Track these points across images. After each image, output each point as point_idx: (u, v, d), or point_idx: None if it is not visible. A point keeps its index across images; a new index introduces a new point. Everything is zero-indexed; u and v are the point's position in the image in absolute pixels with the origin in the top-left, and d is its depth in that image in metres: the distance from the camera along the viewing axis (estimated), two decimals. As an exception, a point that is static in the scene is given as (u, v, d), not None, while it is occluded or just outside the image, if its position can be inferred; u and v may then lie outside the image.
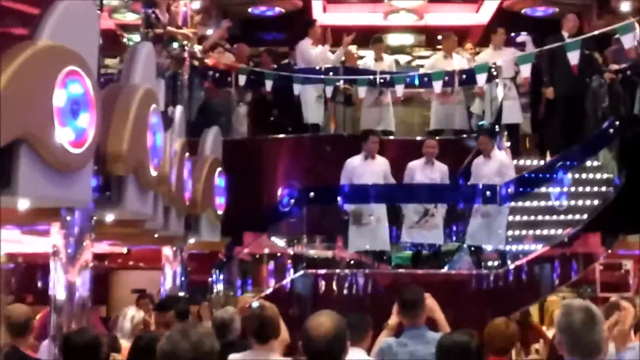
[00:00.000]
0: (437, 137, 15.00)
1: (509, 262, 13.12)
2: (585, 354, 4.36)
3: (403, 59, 20.17)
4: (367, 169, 13.64)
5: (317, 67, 15.55)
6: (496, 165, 13.54)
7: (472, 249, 13.52)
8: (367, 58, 16.53)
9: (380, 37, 16.85)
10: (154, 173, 9.14)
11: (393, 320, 6.65)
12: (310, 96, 15.36)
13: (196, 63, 14.86)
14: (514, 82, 15.10)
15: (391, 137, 15.65)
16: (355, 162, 13.71)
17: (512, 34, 15.77)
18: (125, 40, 11.56)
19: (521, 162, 14.81)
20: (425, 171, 13.62)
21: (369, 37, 16.79)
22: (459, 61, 16.02)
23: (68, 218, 7.94)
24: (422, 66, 17.55)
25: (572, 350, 4.38)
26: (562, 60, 13.90)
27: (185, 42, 13.87)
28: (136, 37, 12.08)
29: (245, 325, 7.21)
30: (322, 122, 15.70)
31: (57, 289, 7.87)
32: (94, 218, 8.45)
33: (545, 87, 14.79)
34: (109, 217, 9.03)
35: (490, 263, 13.47)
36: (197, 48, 15.38)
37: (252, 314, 7.00)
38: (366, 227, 13.37)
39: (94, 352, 6.07)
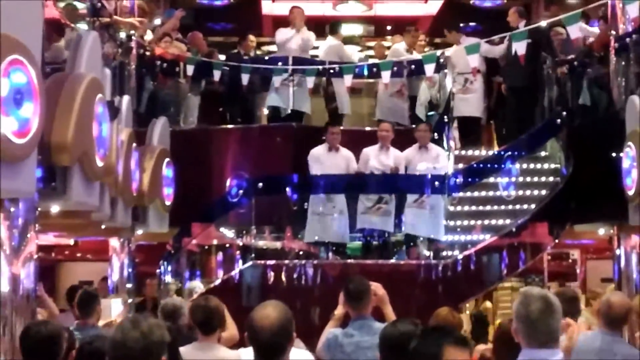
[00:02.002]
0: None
1: (456, 252, 13.18)
2: (542, 342, 4.37)
3: (352, 49, 20.14)
4: (330, 160, 13.62)
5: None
6: (432, 156, 13.61)
7: (421, 239, 13.54)
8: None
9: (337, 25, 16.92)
10: (100, 163, 9.04)
11: (339, 310, 6.62)
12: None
13: (144, 52, 14.72)
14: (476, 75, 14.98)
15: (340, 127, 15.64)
16: (318, 152, 13.67)
17: (461, 25, 15.79)
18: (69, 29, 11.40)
19: (476, 152, 14.84)
20: (380, 157, 13.57)
21: (318, 27, 16.75)
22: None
23: (12, 209, 7.83)
24: (371, 56, 17.56)
25: (529, 339, 4.39)
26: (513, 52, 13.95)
27: (132, 32, 13.74)
28: (82, 26, 11.94)
29: (191, 316, 7.13)
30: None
31: (1, 282, 7.76)
32: (39, 209, 8.35)
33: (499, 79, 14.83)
34: (54, 208, 8.94)
35: (428, 254, 13.51)
36: (148, 36, 15.25)
37: (197, 305, 6.94)
38: (327, 218, 13.34)
39: (54, 345, 5.97)
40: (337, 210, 13.36)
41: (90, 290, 9.90)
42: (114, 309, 10.28)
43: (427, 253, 13.50)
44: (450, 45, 15.89)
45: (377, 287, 6.57)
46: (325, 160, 13.64)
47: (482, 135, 15.68)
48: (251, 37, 16.44)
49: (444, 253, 13.38)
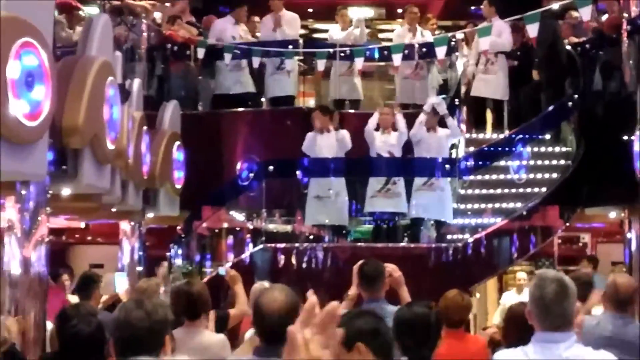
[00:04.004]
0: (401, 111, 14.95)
1: (467, 235, 13.16)
2: (556, 325, 4.34)
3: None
4: (322, 142, 13.59)
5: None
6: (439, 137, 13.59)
7: (432, 222, 13.53)
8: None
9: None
10: (111, 146, 9.05)
11: (353, 291, 6.61)
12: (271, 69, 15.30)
13: (155, 35, 14.71)
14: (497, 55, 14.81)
15: (351, 111, 15.57)
16: (312, 135, 13.66)
17: (472, 8, 15.69)
18: (81, 12, 11.42)
19: (487, 136, 14.73)
20: (383, 137, 13.53)
21: (329, 10, 16.71)
22: (424, 35, 15.81)
23: (23, 192, 7.86)
24: (382, 39, 17.48)
25: (543, 322, 4.36)
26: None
27: (143, 15, 13.73)
28: (93, 9, 11.95)
29: (174, 302, 6.90)
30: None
31: (12, 265, 7.79)
32: (50, 192, 8.36)
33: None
34: (65, 191, 8.95)
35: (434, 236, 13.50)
36: (158, 17, 15.22)
37: (179, 291, 6.80)
38: (325, 200, 13.35)
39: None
40: (334, 193, 13.36)
41: (90, 274, 9.81)
42: (118, 284, 10.19)
43: (434, 236, 13.48)
44: (460, 28, 15.80)
45: (393, 269, 6.56)
46: (319, 142, 13.58)
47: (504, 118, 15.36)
48: (255, 18, 16.35)
49: (455, 236, 13.35)
